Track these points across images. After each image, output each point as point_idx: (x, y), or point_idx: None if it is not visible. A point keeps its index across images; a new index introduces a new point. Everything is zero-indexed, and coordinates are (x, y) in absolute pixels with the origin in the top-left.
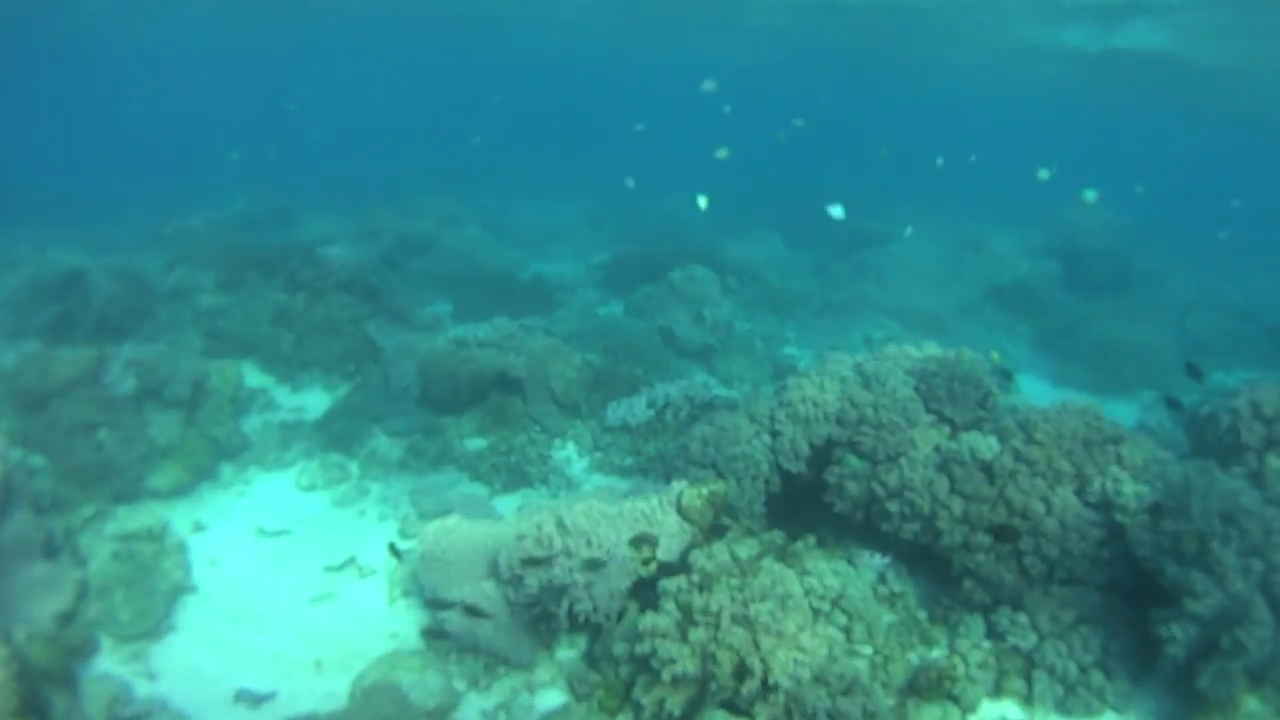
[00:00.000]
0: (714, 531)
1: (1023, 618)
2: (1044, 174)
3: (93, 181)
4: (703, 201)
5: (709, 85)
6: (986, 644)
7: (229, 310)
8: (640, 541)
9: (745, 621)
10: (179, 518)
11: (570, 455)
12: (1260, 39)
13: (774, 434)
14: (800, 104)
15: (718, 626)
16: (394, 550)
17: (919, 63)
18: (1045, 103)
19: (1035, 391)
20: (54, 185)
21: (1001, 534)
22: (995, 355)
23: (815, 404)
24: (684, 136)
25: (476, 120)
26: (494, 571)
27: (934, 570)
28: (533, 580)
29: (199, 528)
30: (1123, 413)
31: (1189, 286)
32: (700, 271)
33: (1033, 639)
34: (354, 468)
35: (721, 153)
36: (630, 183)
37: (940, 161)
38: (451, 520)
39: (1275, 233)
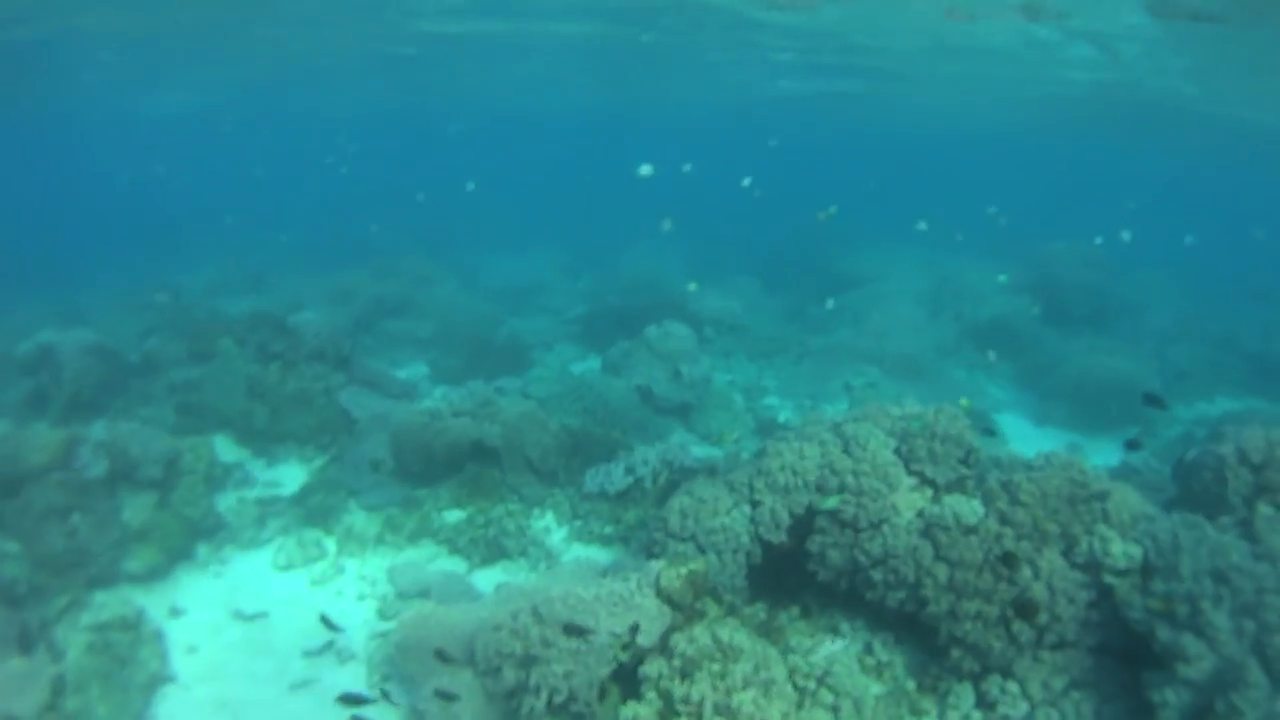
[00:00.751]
0: (694, 613)
1: (1013, 685)
2: (992, 210)
3: (65, 248)
4: (667, 224)
5: (646, 170)
6: (977, 714)
7: (202, 383)
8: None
9: (728, 712)
10: (155, 602)
11: (549, 524)
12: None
13: (753, 504)
14: (776, 146)
15: (700, 717)
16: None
17: (894, 103)
18: (1019, 138)
19: (1018, 432)
20: (26, 252)
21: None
22: (965, 402)
23: (794, 471)
24: (657, 184)
25: (453, 175)
26: (471, 660)
27: (921, 638)
28: (510, 673)
29: (176, 612)
30: (1107, 450)
31: (1168, 316)
32: (676, 327)
33: (1024, 707)
34: (331, 544)
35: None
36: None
37: (875, 184)
38: (427, 607)
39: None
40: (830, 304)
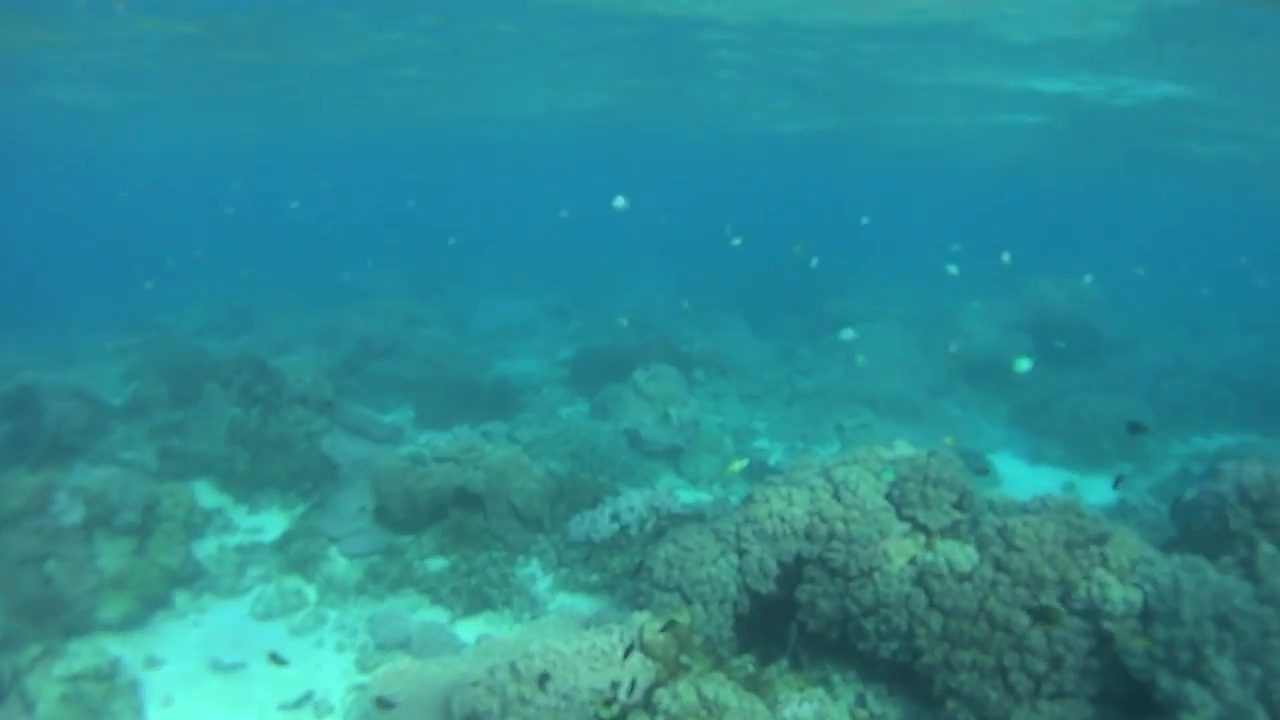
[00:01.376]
0: (680, 667)
1: None
2: (1006, 258)
3: (54, 287)
4: (620, 201)
5: (620, 202)
6: None
7: (185, 426)
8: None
9: None
10: (131, 652)
11: (534, 572)
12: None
13: (740, 553)
14: (763, 184)
15: None
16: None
17: (885, 140)
18: (1010, 173)
19: (1012, 472)
20: (13, 291)
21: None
22: (950, 440)
23: (783, 519)
24: (648, 226)
25: (441, 216)
26: (448, 717)
27: (916, 689)
28: None
29: (152, 663)
30: (1102, 487)
31: (1161, 351)
32: (664, 369)
33: None
34: (311, 593)
35: (736, 240)
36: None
37: (866, 221)
38: (404, 661)
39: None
40: (849, 334)
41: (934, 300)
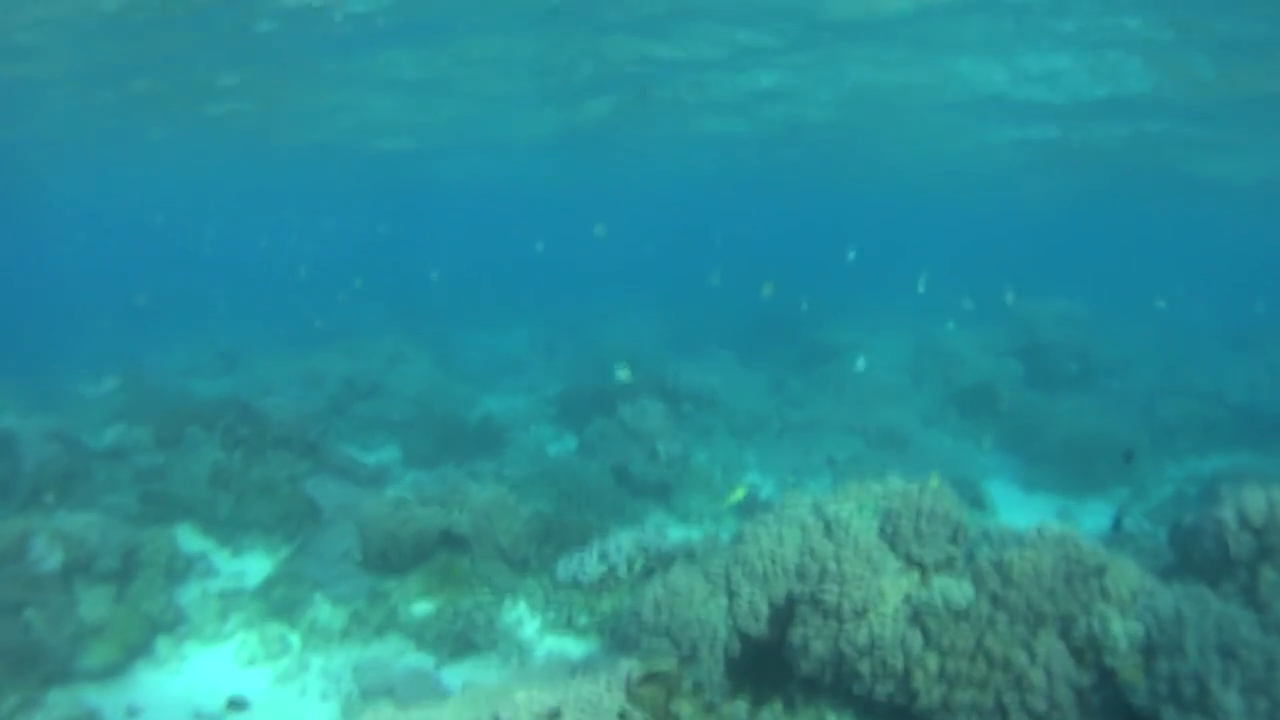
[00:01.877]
0: (669, 715)
1: None
2: (1010, 295)
3: (34, 328)
4: (600, 229)
5: (599, 230)
6: None
7: (168, 469)
8: None
9: None
10: (111, 701)
11: (522, 615)
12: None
13: (731, 594)
14: (748, 216)
15: None
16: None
17: (868, 168)
18: (994, 195)
19: (1006, 498)
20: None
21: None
22: (933, 481)
23: (773, 559)
24: (632, 259)
25: (427, 250)
26: None
27: None
28: None
29: (133, 712)
30: (1098, 512)
31: (1154, 371)
32: (650, 404)
33: None
34: (295, 639)
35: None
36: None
37: (852, 256)
38: (386, 711)
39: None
40: (861, 364)
41: (924, 327)
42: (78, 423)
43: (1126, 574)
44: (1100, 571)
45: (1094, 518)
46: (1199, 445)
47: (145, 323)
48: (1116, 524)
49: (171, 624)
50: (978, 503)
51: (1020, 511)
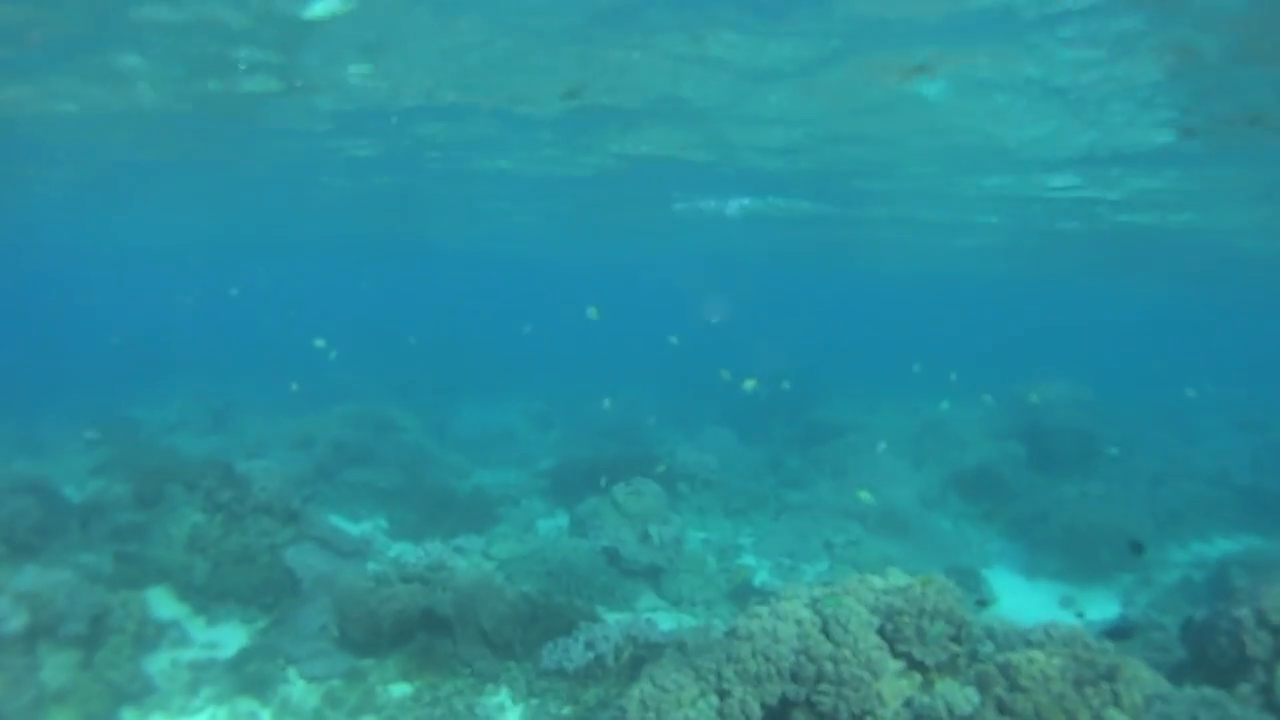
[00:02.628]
0: None
1: None
2: (1034, 398)
3: (23, 373)
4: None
5: (592, 312)
6: None
7: (146, 529)
8: None
9: None
10: None
11: (504, 702)
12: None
13: (721, 694)
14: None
15: None
16: None
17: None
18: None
19: (1008, 586)
20: None
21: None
22: (927, 583)
23: (767, 657)
24: (630, 334)
25: (425, 318)
26: None
27: None
28: None
29: None
30: (1102, 600)
31: (1156, 454)
32: (646, 485)
33: None
34: (266, 717)
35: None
36: (749, 386)
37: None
38: None
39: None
40: (883, 447)
41: (924, 409)
42: (63, 472)
43: (1139, 677)
44: (1112, 674)
45: (1097, 606)
46: (1204, 528)
47: (140, 371)
48: (1123, 630)
49: (138, 694)
50: (983, 604)
51: (1022, 598)
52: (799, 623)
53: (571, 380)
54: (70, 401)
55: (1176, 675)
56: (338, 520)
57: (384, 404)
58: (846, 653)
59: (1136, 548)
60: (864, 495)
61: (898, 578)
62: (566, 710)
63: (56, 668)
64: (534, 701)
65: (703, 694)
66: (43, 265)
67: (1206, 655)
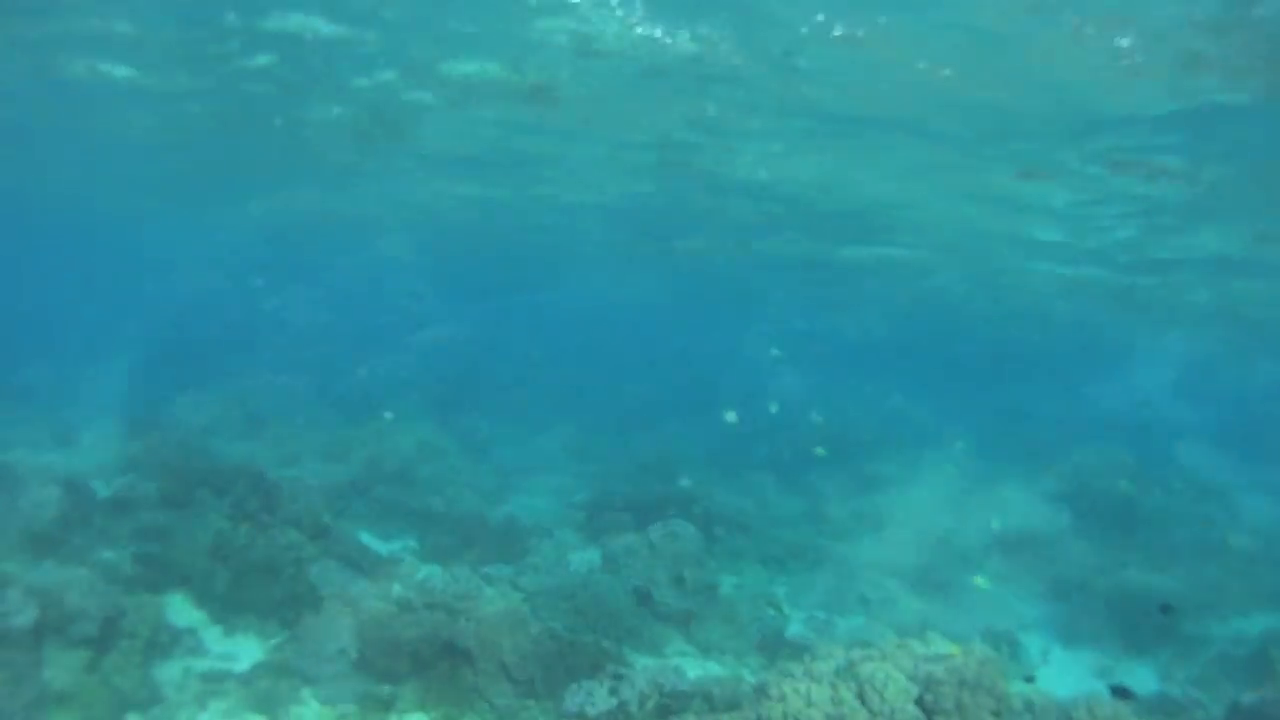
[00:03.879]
0: None
1: None
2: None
3: (63, 361)
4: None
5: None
6: None
7: (170, 531)
8: None
9: None
10: None
11: None
12: None
13: None
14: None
15: None
16: None
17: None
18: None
19: (1046, 653)
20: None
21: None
22: (979, 649)
23: None
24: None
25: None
26: None
27: None
28: None
29: None
30: (1140, 672)
31: (1195, 523)
32: (682, 528)
33: None
34: None
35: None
36: (730, 418)
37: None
38: None
39: None
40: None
41: (970, 468)
42: (94, 464)
43: None
44: None
45: (1136, 677)
46: (1243, 603)
47: (185, 368)
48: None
49: (144, 703)
50: (1029, 680)
51: (1059, 667)
52: (833, 685)
53: (615, 411)
54: (106, 392)
55: None
56: (368, 538)
57: (424, 423)
58: None
59: (1166, 609)
60: (980, 581)
61: (939, 644)
62: None
63: (62, 668)
64: None
65: None
66: (93, 259)
67: None
